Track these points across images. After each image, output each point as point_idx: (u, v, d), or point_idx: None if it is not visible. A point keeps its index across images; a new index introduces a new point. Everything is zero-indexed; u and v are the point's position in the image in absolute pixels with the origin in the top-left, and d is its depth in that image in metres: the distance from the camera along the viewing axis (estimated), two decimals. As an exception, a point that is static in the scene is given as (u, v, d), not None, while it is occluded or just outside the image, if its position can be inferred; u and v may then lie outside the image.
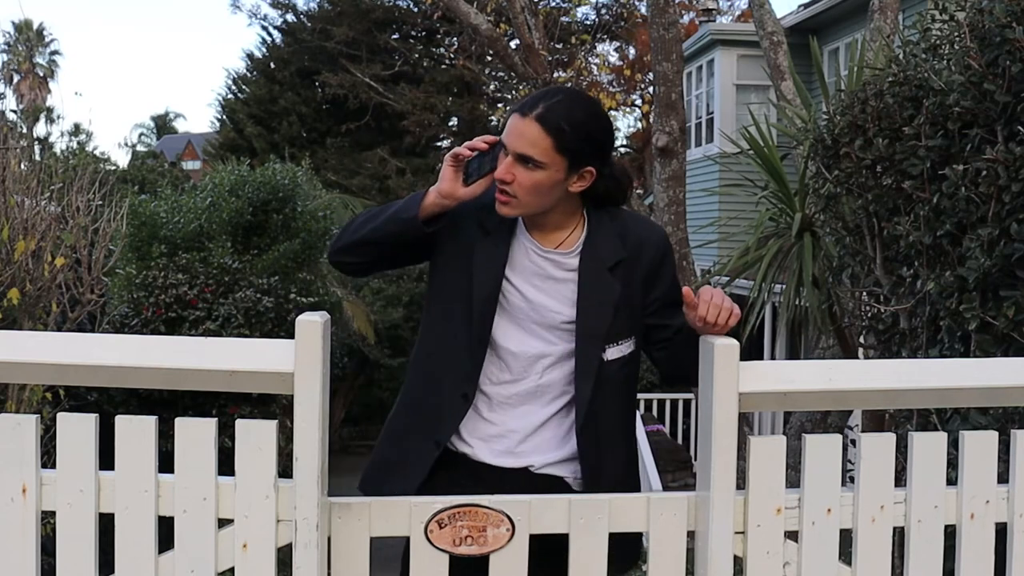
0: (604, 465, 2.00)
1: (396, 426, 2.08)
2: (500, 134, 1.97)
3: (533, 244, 2.01)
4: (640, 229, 2.05)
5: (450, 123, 22.40)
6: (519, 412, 1.99)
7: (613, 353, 1.98)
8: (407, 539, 1.83)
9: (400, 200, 2.02)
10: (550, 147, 1.89)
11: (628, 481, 2.06)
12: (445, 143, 22.54)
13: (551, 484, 1.97)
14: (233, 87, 25.34)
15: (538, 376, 1.98)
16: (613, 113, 19.44)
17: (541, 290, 1.99)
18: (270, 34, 24.68)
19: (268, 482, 1.63)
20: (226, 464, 1.59)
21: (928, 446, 1.77)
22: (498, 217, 1.98)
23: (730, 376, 1.67)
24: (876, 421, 3.92)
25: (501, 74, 21.03)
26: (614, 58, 22.84)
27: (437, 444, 1.99)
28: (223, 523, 1.64)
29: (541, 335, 1.99)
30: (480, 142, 1.95)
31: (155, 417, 1.66)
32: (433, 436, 1.99)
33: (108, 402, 8.09)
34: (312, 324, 1.61)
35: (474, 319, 1.97)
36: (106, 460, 1.63)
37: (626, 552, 1.95)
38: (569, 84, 15.70)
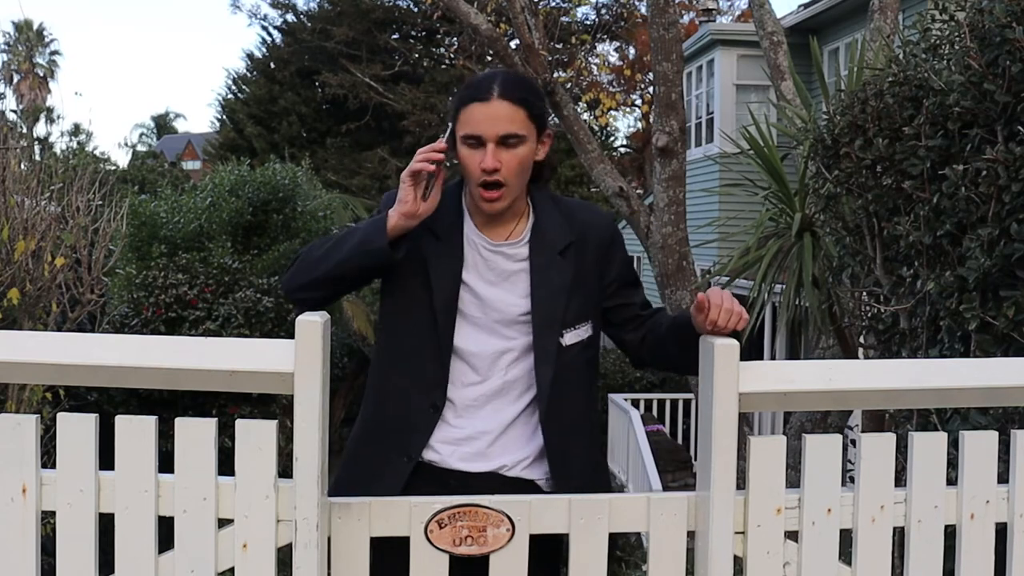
0: (571, 452, 1.98)
1: (362, 443, 2.02)
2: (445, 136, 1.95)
3: (483, 240, 2.00)
4: (584, 213, 2.08)
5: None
6: (486, 412, 1.97)
7: (571, 338, 1.98)
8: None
9: (353, 228, 1.98)
10: (525, 118, 1.93)
11: (596, 469, 2.06)
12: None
13: (522, 488, 1.95)
14: (233, 87, 25.38)
15: (503, 373, 1.97)
16: (613, 113, 19.45)
17: (496, 286, 1.98)
18: (270, 34, 24.73)
19: (268, 482, 1.63)
20: (226, 464, 1.59)
21: (928, 446, 1.77)
22: (447, 220, 1.97)
23: (730, 376, 1.67)
24: (876, 421, 3.92)
25: (501, 74, 20.99)
26: (614, 58, 22.87)
27: (409, 458, 1.95)
28: (223, 523, 1.64)
29: (500, 332, 1.97)
30: (433, 153, 1.91)
31: (155, 417, 1.66)
32: (404, 451, 1.95)
33: (108, 402, 8.09)
34: (312, 324, 1.61)
35: (439, 326, 1.95)
36: (106, 460, 1.63)
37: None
38: (569, 84, 15.70)
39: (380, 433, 1.99)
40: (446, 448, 1.96)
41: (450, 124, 1.98)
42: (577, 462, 1.99)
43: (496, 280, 1.99)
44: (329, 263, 1.92)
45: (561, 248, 1.99)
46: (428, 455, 1.96)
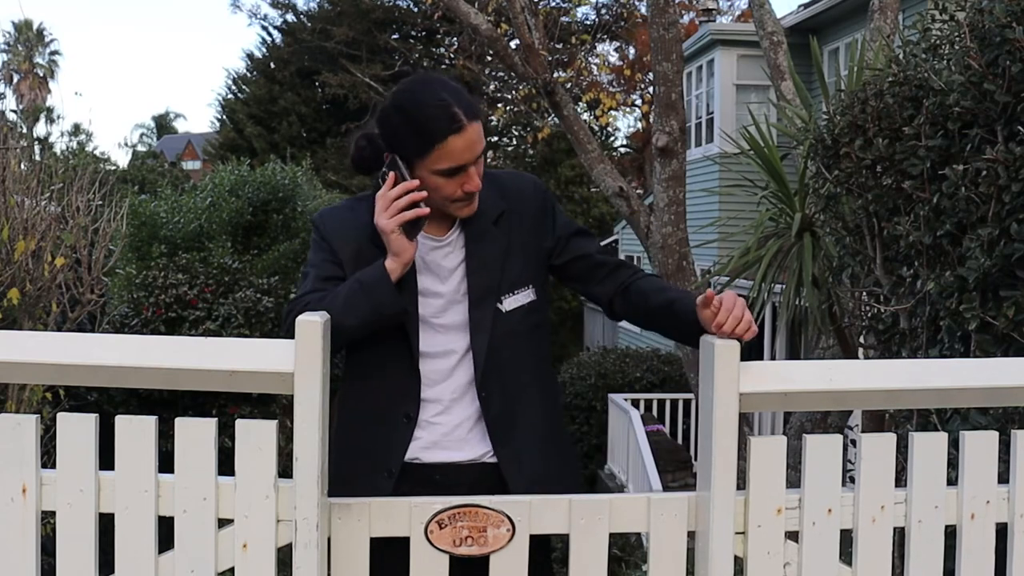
0: (516, 419, 1.97)
1: (340, 463, 1.97)
2: (398, 168, 1.92)
3: (429, 239, 1.99)
4: (514, 181, 2.09)
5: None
6: (466, 401, 1.97)
7: (511, 303, 1.98)
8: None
9: (349, 288, 1.88)
10: (481, 128, 1.94)
11: (550, 440, 2.02)
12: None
13: (494, 473, 1.94)
14: (233, 87, 25.39)
15: (472, 363, 1.97)
16: (613, 113, 19.45)
17: (449, 281, 1.98)
18: (270, 34, 24.74)
19: (268, 482, 1.63)
20: (226, 464, 1.59)
21: (928, 446, 1.77)
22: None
23: (731, 376, 1.67)
24: (876, 421, 3.92)
25: (501, 74, 21.03)
26: (614, 58, 22.88)
27: (389, 474, 1.93)
28: (223, 523, 1.64)
29: (463, 326, 1.97)
30: (416, 194, 1.89)
31: (155, 417, 1.66)
32: (384, 466, 1.94)
33: (108, 402, 8.08)
34: (312, 324, 1.61)
35: (409, 335, 1.94)
36: (106, 460, 1.63)
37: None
38: (569, 84, 15.69)
39: (358, 451, 1.98)
40: (429, 445, 1.95)
41: (395, 157, 1.91)
42: (524, 430, 1.97)
43: (447, 276, 1.99)
44: (344, 333, 1.82)
45: (494, 218, 2.00)
46: (415, 456, 1.95)
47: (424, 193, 1.90)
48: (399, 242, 1.88)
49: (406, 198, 1.88)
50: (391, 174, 1.91)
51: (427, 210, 1.89)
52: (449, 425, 1.96)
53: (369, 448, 1.96)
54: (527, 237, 2.02)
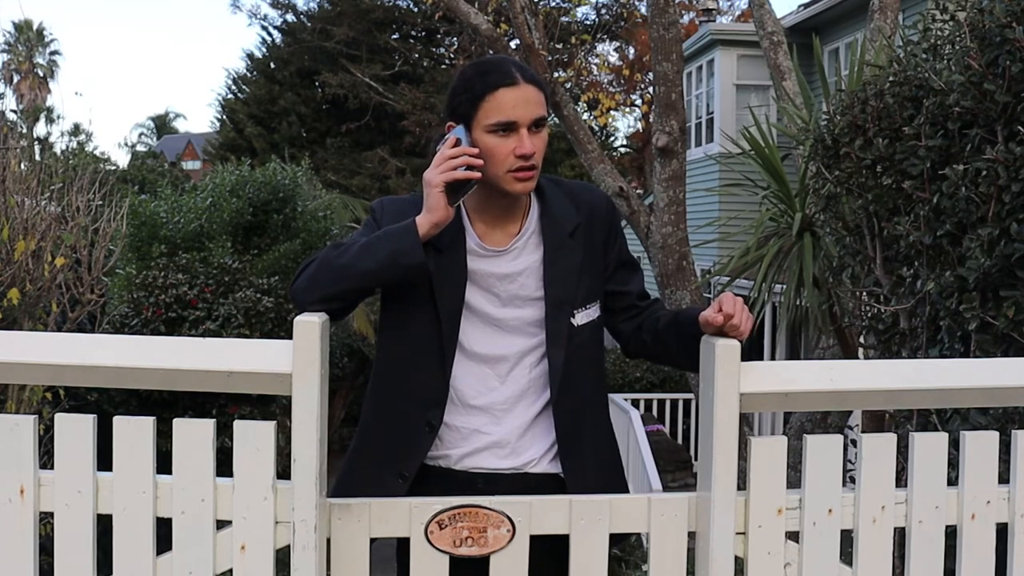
0: (583, 434, 1.97)
1: (359, 459, 1.99)
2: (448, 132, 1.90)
3: (486, 250, 1.95)
4: (587, 194, 2.06)
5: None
6: (517, 411, 1.96)
7: (582, 318, 1.97)
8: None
9: (373, 237, 1.86)
10: (544, 99, 1.91)
11: (610, 453, 2.04)
12: (445, 143, 22.48)
13: (546, 483, 1.94)
14: (233, 87, 25.39)
15: (528, 371, 1.96)
16: (613, 113, 19.44)
17: (509, 289, 1.96)
18: (270, 34, 24.74)
19: (266, 483, 1.62)
20: (226, 464, 1.59)
21: (929, 446, 1.77)
22: (448, 232, 1.90)
23: (731, 376, 1.67)
24: (876, 421, 3.92)
25: (501, 74, 20.98)
26: (614, 58, 22.87)
27: (403, 479, 1.91)
28: (221, 524, 1.64)
29: (522, 330, 1.96)
30: (472, 159, 1.85)
31: (153, 418, 1.65)
32: (398, 471, 1.92)
33: (108, 402, 8.08)
34: (310, 324, 1.60)
35: (444, 340, 1.91)
36: (107, 460, 1.62)
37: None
38: (569, 84, 15.69)
39: (376, 451, 1.97)
40: (474, 453, 1.94)
41: (456, 122, 1.90)
42: (589, 444, 1.98)
43: (508, 285, 1.96)
44: (355, 275, 1.82)
45: (571, 230, 1.98)
46: (462, 463, 1.95)
47: (480, 161, 1.85)
48: (437, 199, 1.82)
49: (461, 159, 1.84)
50: (452, 137, 1.88)
51: (478, 175, 1.84)
52: (498, 434, 1.95)
53: (387, 451, 1.95)
54: (596, 253, 2.01)
